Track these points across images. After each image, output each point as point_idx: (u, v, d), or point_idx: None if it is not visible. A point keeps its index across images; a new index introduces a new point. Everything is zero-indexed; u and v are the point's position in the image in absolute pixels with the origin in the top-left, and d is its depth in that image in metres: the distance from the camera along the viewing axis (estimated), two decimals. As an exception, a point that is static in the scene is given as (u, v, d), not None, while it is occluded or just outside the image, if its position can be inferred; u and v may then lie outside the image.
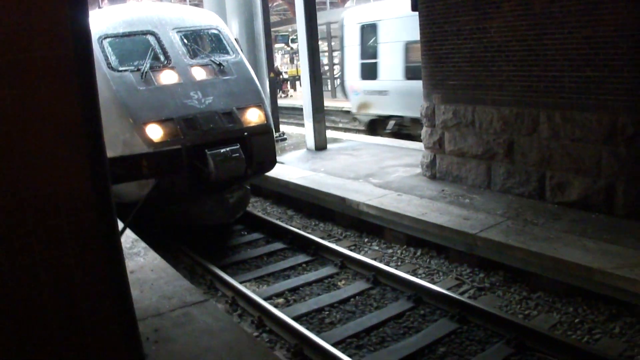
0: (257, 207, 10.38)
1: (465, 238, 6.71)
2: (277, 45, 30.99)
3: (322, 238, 8.19)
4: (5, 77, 2.93)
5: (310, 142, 12.25)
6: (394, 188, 8.72)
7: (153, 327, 4.12)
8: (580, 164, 6.76)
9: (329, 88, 24.54)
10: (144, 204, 8.24)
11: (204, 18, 9.70)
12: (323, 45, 24.95)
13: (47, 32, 2.98)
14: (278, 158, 11.74)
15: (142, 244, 6.14)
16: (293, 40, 27.15)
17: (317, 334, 5.54)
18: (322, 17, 24.53)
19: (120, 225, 4.29)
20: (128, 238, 6.32)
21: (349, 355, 5.10)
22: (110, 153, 7.30)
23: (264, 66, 13.55)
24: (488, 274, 6.56)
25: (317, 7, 12.16)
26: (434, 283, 6.43)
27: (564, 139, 6.89)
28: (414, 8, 8.67)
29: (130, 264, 5.52)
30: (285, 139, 13.88)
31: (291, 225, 8.86)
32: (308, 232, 8.49)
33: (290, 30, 28.06)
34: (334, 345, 5.29)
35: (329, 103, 22.48)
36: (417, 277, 6.60)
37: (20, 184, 3.00)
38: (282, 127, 15.04)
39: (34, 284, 3.06)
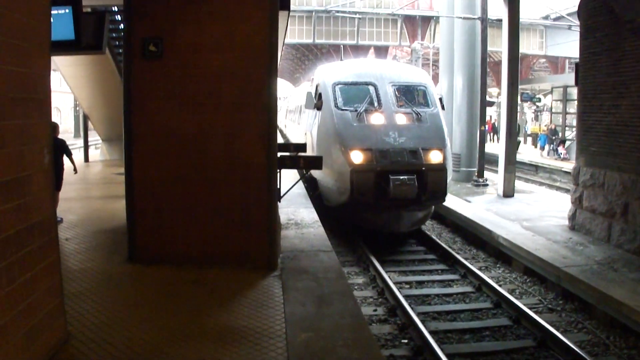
0: (435, 230, 12.93)
1: (554, 270, 8.43)
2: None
3: (466, 258, 10.40)
4: (238, 110, 6.47)
5: (500, 189, 14.22)
6: (534, 231, 10.48)
7: (294, 254, 7.38)
8: (672, 230, 7.91)
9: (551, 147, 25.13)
10: (346, 210, 11.42)
11: (416, 76, 12.74)
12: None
13: (259, 92, 6.44)
14: (469, 198, 14.19)
15: (319, 223, 9.48)
16: (539, 99, 28.26)
17: (411, 305, 8.02)
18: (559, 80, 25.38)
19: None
20: (312, 218, 9.73)
21: (422, 321, 7.48)
22: (326, 165, 10.37)
23: (478, 119, 15.95)
24: (566, 301, 8.15)
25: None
26: (518, 298, 8.28)
27: (664, 206, 8.11)
28: (576, 83, 10.40)
29: (304, 230, 8.90)
30: (487, 185, 15.92)
31: (450, 247, 11.20)
32: (458, 253, 10.75)
33: (537, 88, 29.24)
34: (418, 314, 7.71)
35: (551, 162, 23.43)
36: (510, 293, 8.48)
37: (237, 157, 6.51)
38: (489, 175, 17.08)
39: (234, 205, 6.52)
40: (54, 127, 10.37)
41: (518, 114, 35.93)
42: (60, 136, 9.27)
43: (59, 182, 8.78)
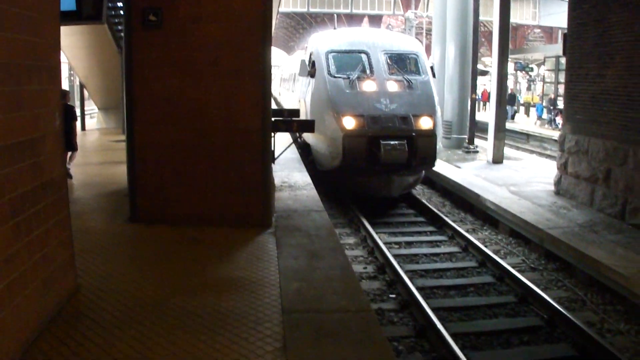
0: (425, 195, 13.33)
1: (537, 232, 8.83)
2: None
3: (454, 221, 10.78)
4: (235, 78, 6.74)
5: (490, 155, 14.58)
6: (520, 195, 10.86)
7: (288, 214, 7.76)
8: (650, 193, 8.30)
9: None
10: (338, 174, 11.78)
11: (408, 45, 12.97)
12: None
13: (254, 60, 6.71)
14: (459, 164, 14.54)
15: (311, 185, 9.89)
16: (532, 69, 28.42)
17: (400, 264, 8.41)
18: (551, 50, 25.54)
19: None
20: (305, 181, 10.10)
21: (410, 279, 7.88)
22: (319, 131, 10.70)
23: (469, 88, 16.21)
24: (548, 262, 8.55)
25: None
26: (502, 258, 8.68)
27: (642, 171, 8.47)
28: (563, 53, 10.67)
29: (297, 192, 9.28)
30: (477, 152, 16.26)
31: (439, 210, 11.59)
32: (447, 215, 11.14)
33: (530, 58, 29.35)
34: (406, 272, 8.10)
35: (542, 131, 23.81)
36: (495, 254, 8.86)
37: (233, 122, 6.82)
38: (481, 142, 17.43)
39: (230, 167, 6.85)
40: (64, 94, 10.88)
41: (514, 84, 36.36)
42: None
43: (72, 144, 9.70)
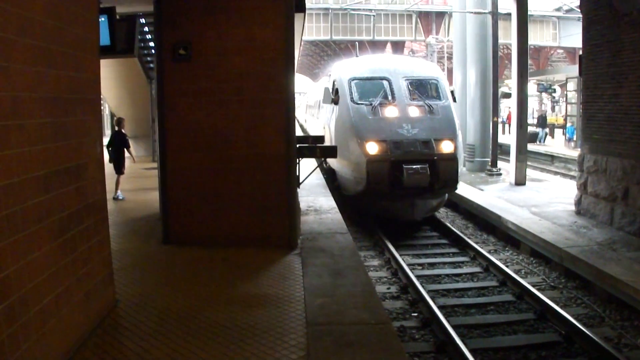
0: (449, 218, 13.50)
1: (556, 250, 8.97)
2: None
3: (476, 242, 10.96)
4: (259, 106, 7.15)
5: (512, 177, 14.72)
6: (541, 215, 11.00)
7: (313, 236, 8.09)
8: (667, 211, 8.40)
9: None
10: (363, 198, 12.06)
11: (428, 70, 13.30)
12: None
13: (278, 89, 7.12)
14: (482, 187, 14.71)
15: (336, 209, 10.18)
16: (554, 90, 28.41)
17: (422, 284, 8.63)
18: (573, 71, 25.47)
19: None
20: (330, 205, 10.41)
21: (432, 298, 8.08)
22: (343, 157, 11.09)
23: (491, 111, 16.44)
24: (568, 280, 8.68)
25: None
26: (523, 278, 8.82)
27: (660, 189, 8.59)
28: (580, 74, 10.89)
29: (322, 215, 9.60)
30: (500, 174, 16.39)
31: (462, 232, 11.77)
32: (469, 237, 11.31)
33: (553, 79, 29.35)
34: (428, 292, 8.31)
35: (566, 152, 23.76)
36: (516, 273, 9.01)
37: (259, 149, 7.20)
38: (505, 165, 17.56)
39: (257, 192, 7.22)
40: (120, 121, 11.76)
41: (539, 105, 36.23)
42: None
43: (121, 168, 11.17)
